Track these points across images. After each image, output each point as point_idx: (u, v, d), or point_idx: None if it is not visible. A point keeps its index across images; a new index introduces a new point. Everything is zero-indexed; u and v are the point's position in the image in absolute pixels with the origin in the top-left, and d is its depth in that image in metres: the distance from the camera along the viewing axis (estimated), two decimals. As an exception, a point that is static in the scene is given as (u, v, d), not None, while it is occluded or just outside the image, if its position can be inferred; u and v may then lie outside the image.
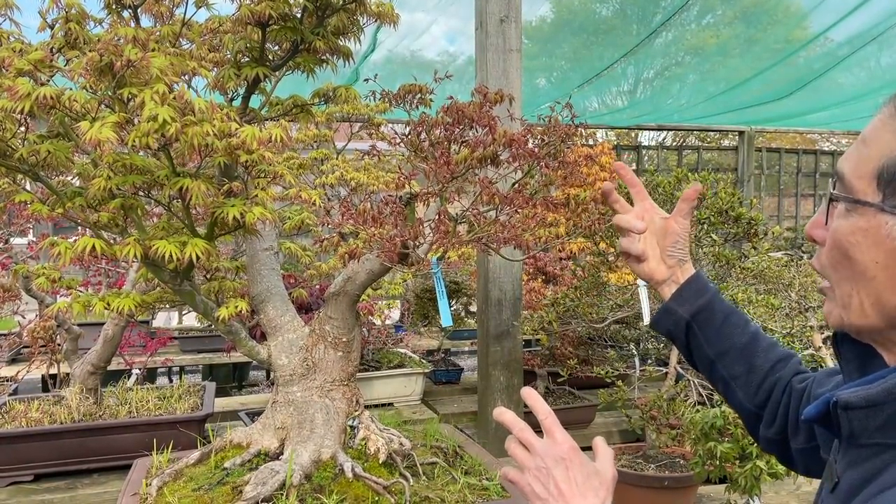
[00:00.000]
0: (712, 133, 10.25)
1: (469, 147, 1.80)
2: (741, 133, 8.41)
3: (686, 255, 1.35)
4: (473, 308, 5.16)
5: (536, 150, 1.84)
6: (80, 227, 3.02)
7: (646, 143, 10.98)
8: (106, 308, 1.75)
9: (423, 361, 4.00)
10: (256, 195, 1.72)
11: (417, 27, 6.51)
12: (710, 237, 2.38)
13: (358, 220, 1.86)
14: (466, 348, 6.28)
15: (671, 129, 9.02)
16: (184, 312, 7.85)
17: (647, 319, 2.54)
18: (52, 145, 1.64)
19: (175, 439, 3.11)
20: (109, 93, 1.48)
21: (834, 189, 0.87)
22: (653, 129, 8.85)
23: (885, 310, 0.81)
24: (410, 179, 1.87)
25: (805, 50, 7.68)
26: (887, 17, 6.99)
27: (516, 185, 1.96)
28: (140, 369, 4.10)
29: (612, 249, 2.74)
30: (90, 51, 1.46)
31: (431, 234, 1.83)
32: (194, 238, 1.67)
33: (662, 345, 3.16)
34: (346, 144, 3.90)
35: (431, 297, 4.52)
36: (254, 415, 3.30)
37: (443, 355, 4.67)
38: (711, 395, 2.46)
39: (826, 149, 12.01)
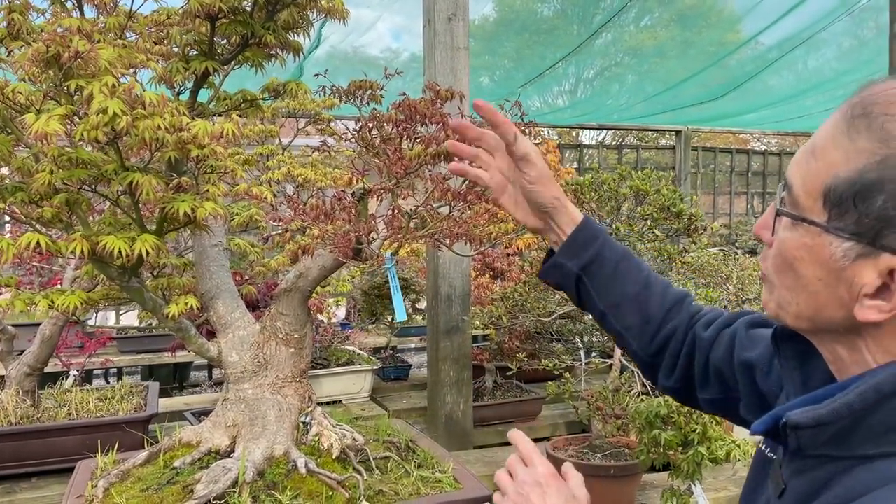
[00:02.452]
0: (650, 132, 10.49)
1: (423, 143, 1.82)
2: (678, 132, 8.64)
3: (558, 196, 1.28)
4: (421, 305, 5.18)
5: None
6: (8, 224, 2.92)
7: (586, 143, 11.17)
8: (50, 306, 1.70)
9: (372, 358, 4.00)
10: (207, 190, 1.71)
11: (363, 23, 6.48)
12: (653, 232, 2.46)
13: (309, 215, 1.85)
14: (413, 345, 6.30)
15: (612, 129, 9.22)
16: (121, 312, 7.66)
17: None
18: (-8, 139, 1.59)
19: (118, 441, 3.05)
20: (55, 85, 1.44)
21: (783, 193, 0.87)
22: (594, 129, 9.03)
23: (819, 319, 0.84)
24: (363, 175, 1.87)
25: (738, 53, 7.93)
26: (814, 23, 7.28)
27: (467, 182, 1.99)
28: (78, 370, 3.98)
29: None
30: (34, 41, 1.43)
31: (385, 230, 1.84)
32: (143, 234, 1.64)
33: (606, 338, 3.24)
34: (292, 140, 3.87)
35: (379, 294, 4.52)
36: (199, 414, 3.25)
37: (391, 352, 4.68)
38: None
39: (757, 148, 12.43)
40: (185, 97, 2.03)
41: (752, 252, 7.42)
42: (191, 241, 2.31)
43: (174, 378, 7.32)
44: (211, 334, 2.18)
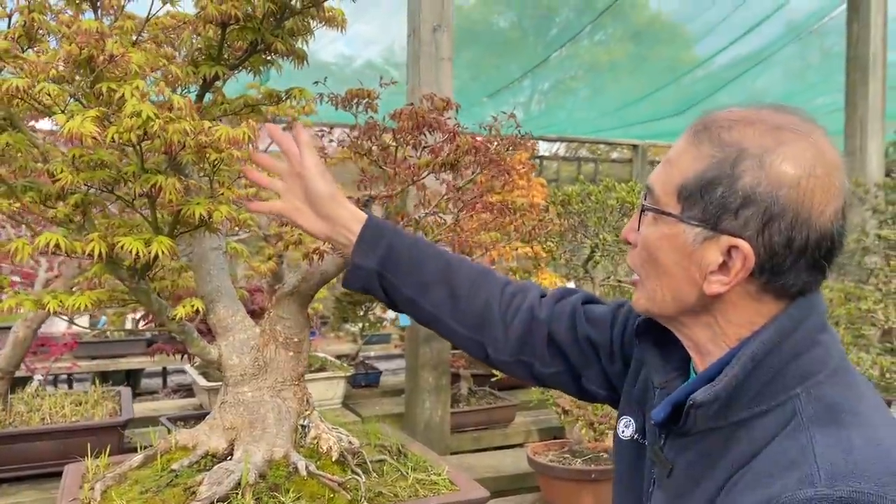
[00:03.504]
0: (603, 146, 10.73)
1: (433, 152, 1.87)
2: (635, 146, 8.87)
3: (336, 193, 1.35)
4: (389, 313, 5.20)
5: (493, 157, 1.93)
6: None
7: (543, 154, 11.35)
8: (59, 307, 1.69)
9: (345, 365, 4.02)
10: (222, 193, 1.73)
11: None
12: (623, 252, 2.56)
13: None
14: (373, 353, 6.30)
15: (572, 141, 9.38)
16: (75, 317, 7.46)
17: None
18: (10, 137, 1.58)
19: (92, 446, 3.01)
20: (84, 86, 1.45)
21: (645, 201, 1.06)
22: (554, 141, 9.19)
23: (680, 301, 1.02)
24: (371, 182, 1.91)
25: (691, 72, 8.20)
26: (764, 48, 7.58)
27: (470, 190, 2.05)
28: (43, 375, 3.90)
29: (544, 254, 2.88)
30: (66, 42, 1.44)
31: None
32: (159, 236, 1.65)
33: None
34: (269, 146, 3.87)
35: (352, 301, 4.54)
36: (175, 419, 3.22)
37: (361, 359, 4.69)
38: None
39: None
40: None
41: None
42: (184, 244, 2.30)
43: (127, 384, 7.18)
44: (202, 335, 2.18)
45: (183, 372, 7.95)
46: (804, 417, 0.90)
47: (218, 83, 2.01)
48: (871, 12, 4.13)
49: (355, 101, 2.26)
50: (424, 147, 1.92)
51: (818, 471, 0.83)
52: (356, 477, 1.98)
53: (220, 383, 3.75)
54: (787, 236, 0.92)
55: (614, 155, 13.13)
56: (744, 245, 0.93)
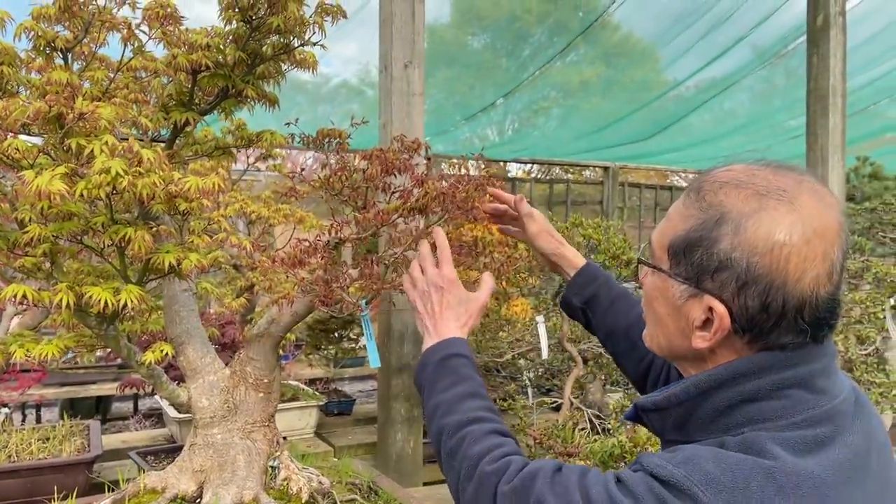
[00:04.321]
0: (572, 167, 10.86)
1: (402, 197, 1.90)
2: (606, 168, 8.99)
3: (559, 245, 1.68)
4: (361, 340, 5.21)
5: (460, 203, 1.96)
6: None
7: (516, 175, 11.45)
8: (26, 356, 1.69)
9: (317, 394, 4.01)
10: (192, 241, 1.74)
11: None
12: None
13: (286, 263, 1.90)
14: (347, 377, 6.28)
15: (545, 164, 9.49)
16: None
17: (545, 353, 2.72)
18: (-23, 189, 1.59)
19: (60, 484, 2.98)
20: (53, 142, 1.46)
21: (642, 253, 1.12)
22: (527, 163, 9.27)
23: (673, 348, 1.08)
24: (343, 226, 1.94)
25: (660, 94, 8.33)
26: (733, 73, 7.75)
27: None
28: (10, 407, 3.84)
29: (514, 289, 2.92)
30: (33, 97, 1.45)
31: (358, 278, 1.91)
32: (128, 284, 1.66)
33: (547, 375, 3.36)
34: (243, 174, 3.88)
35: (324, 328, 4.54)
36: (145, 454, 3.20)
37: (334, 387, 4.69)
38: (603, 422, 2.67)
39: (677, 184, 12.99)
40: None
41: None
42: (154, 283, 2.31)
43: (97, 411, 7.09)
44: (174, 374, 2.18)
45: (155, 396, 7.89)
46: (725, 444, 0.95)
47: (188, 128, 2.03)
48: (830, 46, 4.26)
49: (326, 140, 2.29)
50: (393, 192, 1.94)
51: (679, 455, 0.93)
52: (325, 519, 1.99)
53: (191, 415, 3.73)
54: (762, 301, 0.94)
55: (587, 173, 13.28)
56: (718, 306, 0.96)
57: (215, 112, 2.17)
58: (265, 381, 2.11)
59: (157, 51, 1.97)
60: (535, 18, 7.53)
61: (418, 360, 1.40)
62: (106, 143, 1.45)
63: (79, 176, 1.45)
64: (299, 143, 2.28)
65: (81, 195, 1.42)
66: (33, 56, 1.74)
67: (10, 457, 2.93)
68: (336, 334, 4.50)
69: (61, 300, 1.58)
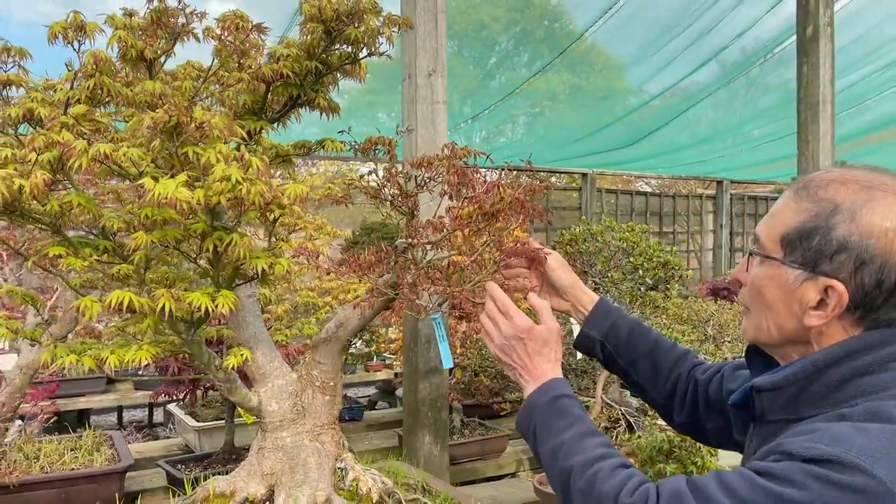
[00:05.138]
0: (552, 174, 11.01)
1: (476, 204, 1.96)
2: (584, 175, 9.15)
3: (572, 279, 1.74)
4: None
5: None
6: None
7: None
8: (119, 362, 1.71)
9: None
10: (280, 247, 1.78)
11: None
12: (645, 280, 2.71)
13: (362, 268, 1.95)
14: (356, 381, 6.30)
15: (522, 170, 9.57)
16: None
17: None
18: (79, 197, 1.61)
19: (94, 494, 2.96)
20: (168, 151, 1.50)
21: (753, 246, 1.24)
22: (502, 170, 9.33)
23: (783, 331, 1.18)
24: (418, 233, 1.99)
25: (627, 105, 8.50)
26: (700, 90, 7.96)
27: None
28: (23, 420, 3.78)
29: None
30: (150, 108, 1.48)
31: (437, 283, 1.96)
32: (223, 290, 1.69)
33: (572, 376, 3.44)
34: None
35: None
36: (175, 463, 3.20)
37: (343, 393, 4.70)
38: (638, 420, 2.76)
39: (647, 190, 13.26)
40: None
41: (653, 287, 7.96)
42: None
43: (79, 423, 6.97)
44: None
45: (138, 409, 7.77)
46: (846, 416, 1.05)
47: (257, 136, 2.07)
48: (819, 56, 4.45)
49: (375, 147, 2.35)
50: (466, 198, 2.01)
51: (825, 435, 1.00)
52: (400, 517, 2.04)
53: (209, 424, 3.73)
54: (877, 278, 1.07)
55: (552, 179, 13.44)
56: (838, 286, 1.09)
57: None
58: (331, 384, 2.14)
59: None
60: (502, 27, 7.63)
61: (523, 407, 1.46)
62: (220, 151, 1.49)
63: (193, 185, 1.49)
64: (349, 150, 2.33)
65: (198, 202, 1.45)
66: (119, 67, 1.76)
67: (42, 468, 2.90)
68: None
69: (163, 306, 1.61)
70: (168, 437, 5.58)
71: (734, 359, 1.71)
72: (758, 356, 1.32)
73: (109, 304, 1.56)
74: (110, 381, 6.46)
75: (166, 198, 1.39)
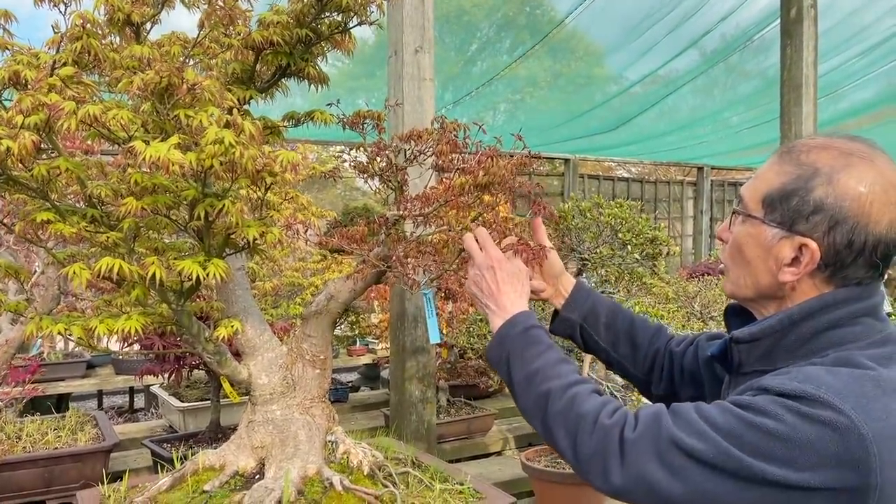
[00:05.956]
0: (536, 158, 11.00)
1: (470, 174, 1.95)
2: (567, 161, 9.17)
3: (561, 267, 1.77)
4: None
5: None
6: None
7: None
8: (108, 330, 1.69)
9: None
10: (271, 216, 1.76)
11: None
12: (634, 256, 2.72)
13: (354, 238, 1.94)
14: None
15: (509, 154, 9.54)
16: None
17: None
18: (67, 162, 1.58)
19: (78, 473, 2.93)
20: (159, 114, 1.47)
21: (738, 206, 1.30)
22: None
23: (759, 286, 1.25)
24: (407, 202, 1.98)
25: (608, 92, 8.52)
26: (679, 77, 7.99)
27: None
28: (3, 401, 3.72)
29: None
30: (134, 69, 1.46)
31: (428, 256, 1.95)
32: (214, 258, 1.67)
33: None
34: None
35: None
36: (160, 442, 3.17)
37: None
38: (624, 396, 2.78)
39: (627, 176, 13.31)
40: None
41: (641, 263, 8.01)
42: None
43: (57, 409, 6.90)
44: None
45: (119, 394, 7.70)
46: (817, 364, 1.12)
47: (246, 106, 2.04)
48: (803, 39, 4.48)
49: (363, 121, 2.33)
50: (457, 169, 2.00)
51: (799, 374, 1.08)
52: (392, 489, 2.03)
53: (194, 404, 3.70)
54: (848, 238, 1.14)
55: (547, 167, 13.46)
56: (812, 244, 1.16)
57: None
58: (321, 357, 2.13)
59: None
60: (484, 13, 7.60)
61: (493, 338, 1.49)
62: (212, 114, 1.46)
63: (185, 147, 1.46)
64: (338, 123, 2.31)
65: (191, 165, 1.43)
66: (107, 31, 1.72)
67: (25, 448, 2.86)
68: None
69: (154, 274, 1.58)
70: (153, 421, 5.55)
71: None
72: (734, 316, 1.39)
73: (99, 270, 1.54)
74: (90, 366, 6.40)
75: (158, 160, 1.36)
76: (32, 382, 5.93)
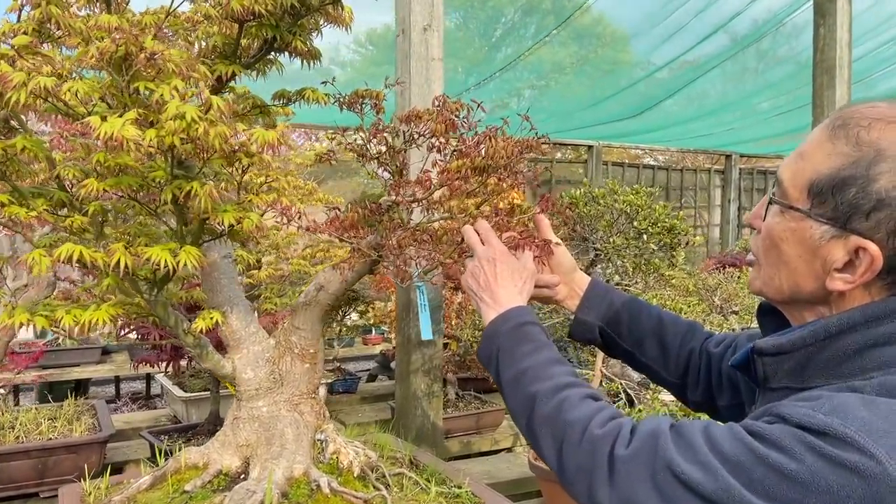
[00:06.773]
0: (559, 146, 10.81)
1: (467, 156, 1.81)
2: (590, 147, 8.96)
3: (573, 264, 1.59)
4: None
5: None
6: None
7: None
8: (74, 321, 1.58)
9: (326, 372, 3.91)
10: (250, 200, 1.64)
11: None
12: (650, 246, 2.55)
13: (344, 226, 1.81)
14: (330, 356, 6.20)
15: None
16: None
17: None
18: (25, 140, 1.46)
19: (73, 464, 2.86)
20: (118, 86, 1.35)
21: (774, 188, 1.06)
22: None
23: (797, 291, 1.03)
24: (399, 188, 1.84)
25: (634, 78, 8.31)
26: (708, 61, 7.75)
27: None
28: (4, 388, 3.67)
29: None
30: (99, 38, 1.34)
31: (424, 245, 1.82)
32: (186, 245, 1.55)
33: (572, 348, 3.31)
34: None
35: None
36: (158, 434, 3.08)
37: (338, 365, 4.59)
38: (639, 393, 2.63)
39: (653, 164, 13.04)
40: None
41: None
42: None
43: (75, 395, 6.91)
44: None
45: (138, 380, 7.69)
46: (857, 389, 0.91)
47: (231, 83, 1.91)
48: (837, 18, 4.25)
49: (362, 101, 2.19)
50: (453, 150, 1.85)
51: (826, 404, 0.87)
52: (383, 492, 1.91)
53: (197, 394, 3.61)
54: None
55: (558, 155, 13.22)
56: (872, 248, 0.92)
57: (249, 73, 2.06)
58: (311, 351, 2.01)
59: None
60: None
61: (484, 334, 1.34)
62: (176, 87, 1.34)
63: (146, 124, 1.34)
64: (334, 103, 2.18)
65: (150, 144, 1.31)
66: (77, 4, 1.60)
67: (17, 438, 2.79)
68: (340, 311, 4.40)
69: (118, 262, 1.47)
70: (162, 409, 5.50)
71: (742, 329, 1.53)
72: (768, 316, 1.17)
73: (59, 257, 1.43)
74: (105, 352, 6.37)
75: (111, 137, 1.24)
76: (45, 368, 5.94)
